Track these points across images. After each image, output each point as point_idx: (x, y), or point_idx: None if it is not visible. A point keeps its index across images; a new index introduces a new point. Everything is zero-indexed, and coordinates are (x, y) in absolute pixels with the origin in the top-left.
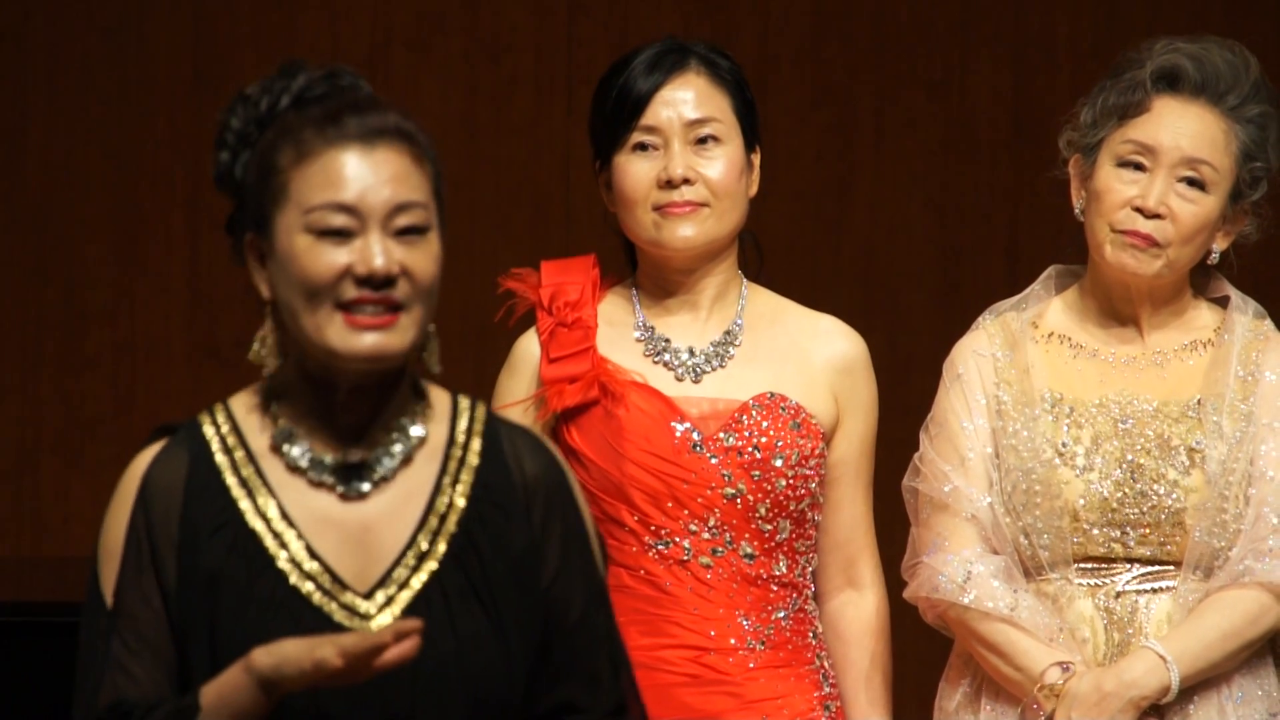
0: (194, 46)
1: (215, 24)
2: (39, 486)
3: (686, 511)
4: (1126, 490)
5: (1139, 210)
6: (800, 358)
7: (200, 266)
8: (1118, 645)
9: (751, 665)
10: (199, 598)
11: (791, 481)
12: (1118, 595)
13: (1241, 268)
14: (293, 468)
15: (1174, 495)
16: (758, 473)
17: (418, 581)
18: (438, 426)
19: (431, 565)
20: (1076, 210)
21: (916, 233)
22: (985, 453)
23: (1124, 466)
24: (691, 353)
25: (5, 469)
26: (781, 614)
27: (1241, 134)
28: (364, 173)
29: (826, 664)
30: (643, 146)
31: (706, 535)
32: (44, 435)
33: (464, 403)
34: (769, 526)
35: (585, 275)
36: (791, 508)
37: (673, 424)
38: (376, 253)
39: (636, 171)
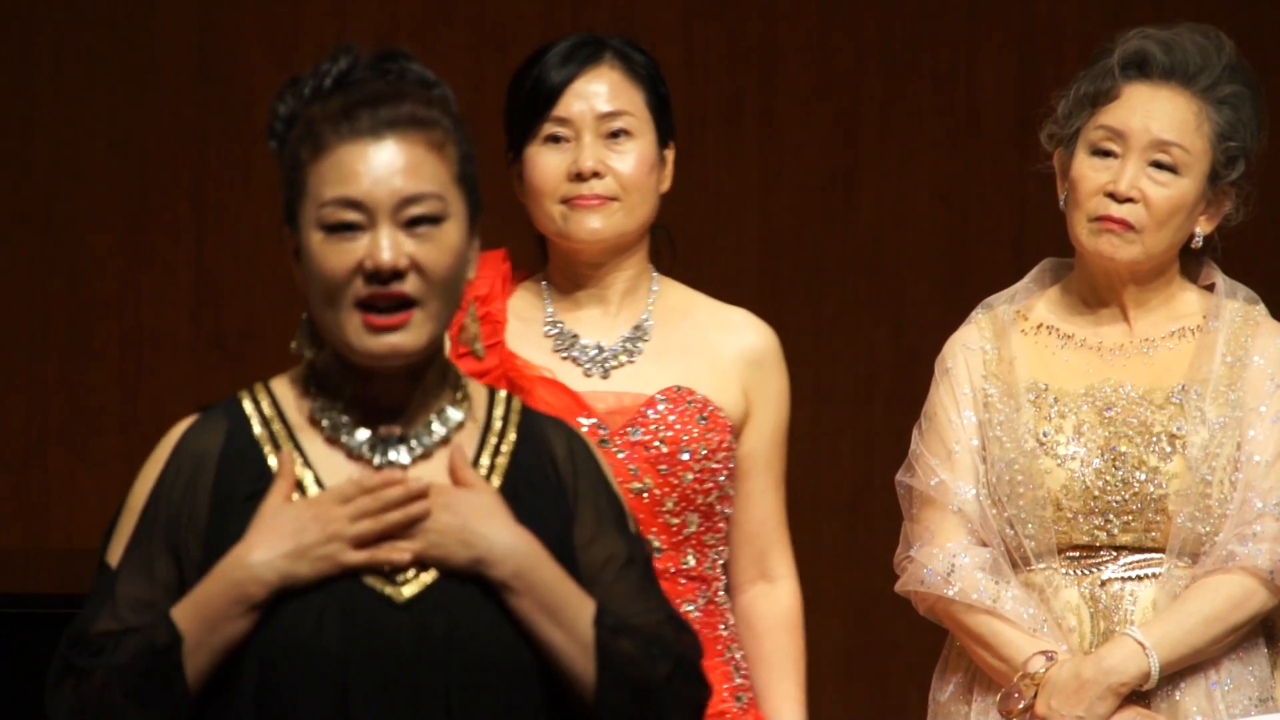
0: (199, 38)
1: (221, 15)
2: (45, 477)
3: None
4: (1108, 478)
5: (1111, 195)
6: (709, 351)
7: (206, 258)
8: (1103, 633)
9: None
10: None
11: (698, 475)
12: (1103, 583)
13: (1238, 256)
14: (331, 440)
15: (1155, 481)
16: (664, 467)
17: None
18: (475, 412)
19: None
20: (1061, 203)
21: (923, 224)
22: (972, 446)
23: (1105, 454)
24: (600, 348)
25: (11, 460)
26: (690, 607)
27: (1214, 115)
28: (371, 167)
29: (738, 655)
30: (554, 138)
31: None
32: (50, 426)
33: (500, 394)
34: (676, 520)
35: (495, 270)
36: (699, 501)
37: (579, 419)
38: (384, 247)
39: (546, 163)
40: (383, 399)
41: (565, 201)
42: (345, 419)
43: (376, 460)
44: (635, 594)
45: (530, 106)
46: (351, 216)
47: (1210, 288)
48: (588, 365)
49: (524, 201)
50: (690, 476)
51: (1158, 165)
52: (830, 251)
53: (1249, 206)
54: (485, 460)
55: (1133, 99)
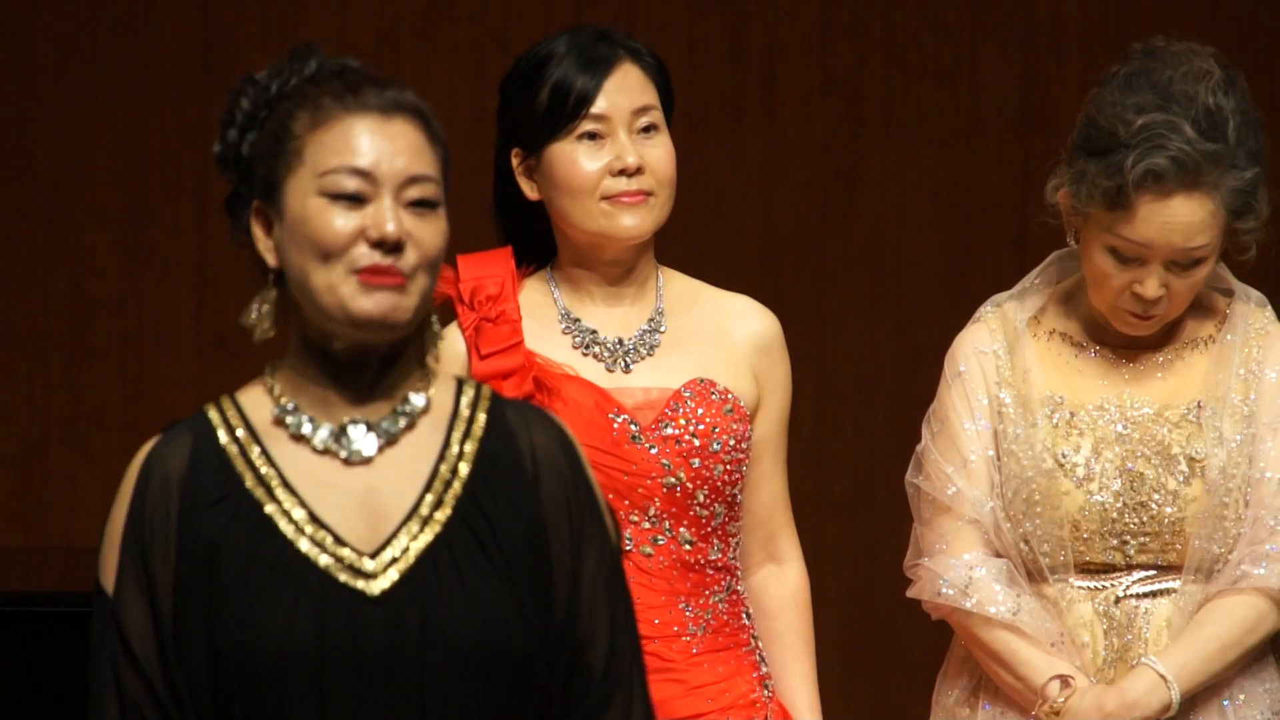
0: (201, 36)
1: (223, 13)
2: (47, 476)
3: (627, 502)
4: (1126, 501)
5: (1138, 296)
6: (721, 340)
7: (208, 256)
8: (1117, 650)
9: (694, 651)
10: (198, 571)
11: (728, 466)
12: (1118, 600)
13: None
14: (295, 437)
15: (1174, 506)
16: (697, 460)
17: (424, 541)
18: (442, 398)
19: (436, 528)
20: (1070, 240)
21: (925, 223)
22: (987, 455)
23: (1124, 476)
24: (620, 343)
25: (13, 458)
26: (717, 598)
27: (1227, 200)
28: (380, 141)
29: (759, 643)
30: (590, 136)
31: (647, 525)
32: (51, 424)
33: (470, 383)
34: (706, 512)
35: (504, 268)
36: (727, 492)
37: (610, 416)
38: (389, 218)
39: (586, 160)
40: (347, 386)
41: (607, 198)
42: (308, 416)
43: (343, 455)
44: (591, 623)
45: (560, 105)
46: (357, 186)
47: (1223, 291)
48: (609, 361)
49: (535, 198)
50: (721, 469)
51: (1183, 264)
52: (832, 250)
53: (1263, 236)
54: (455, 447)
55: (1150, 216)
